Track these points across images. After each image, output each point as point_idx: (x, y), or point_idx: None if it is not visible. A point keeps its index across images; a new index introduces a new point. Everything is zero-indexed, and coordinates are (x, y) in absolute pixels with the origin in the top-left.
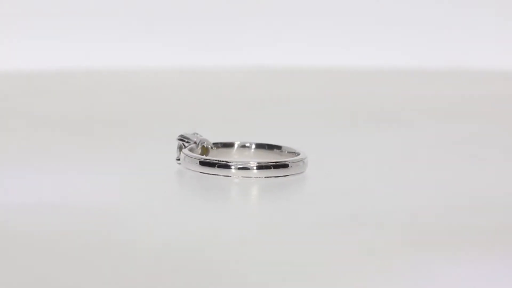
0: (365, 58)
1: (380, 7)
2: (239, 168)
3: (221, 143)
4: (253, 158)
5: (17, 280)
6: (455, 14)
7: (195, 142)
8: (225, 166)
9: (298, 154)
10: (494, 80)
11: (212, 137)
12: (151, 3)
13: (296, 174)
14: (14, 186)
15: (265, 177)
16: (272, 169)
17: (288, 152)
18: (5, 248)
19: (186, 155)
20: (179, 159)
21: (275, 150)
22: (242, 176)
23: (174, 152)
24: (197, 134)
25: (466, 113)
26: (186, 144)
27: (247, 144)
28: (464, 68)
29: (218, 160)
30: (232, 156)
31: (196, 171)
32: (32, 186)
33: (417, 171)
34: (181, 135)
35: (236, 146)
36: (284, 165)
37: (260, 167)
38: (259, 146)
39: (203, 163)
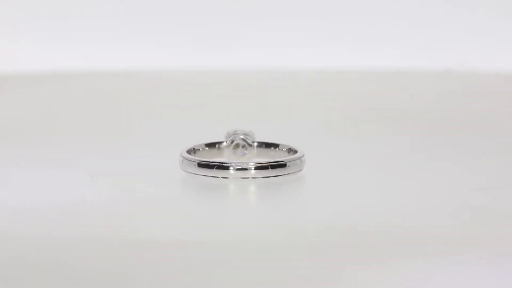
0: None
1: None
2: (238, 169)
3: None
4: (252, 157)
5: None
6: None
7: (231, 141)
8: (224, 167)
9: (296, 152)
10: None
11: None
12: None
13: (294, 172)
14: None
15: (263, 177)
16: (270, 169)
17: (286, 150)
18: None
19: (184, 157)
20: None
21: (272, 148)
22: (240, 177)
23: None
24: (241, 131)
25: None
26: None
27: (224, 144)
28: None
29: (216, 162)
30: (231, 155)
31: (195, 174)
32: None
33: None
34: (228, 132)
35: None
36: (282, 165)
37: (258, 167)
38: (257, 145)
39: (201, 165)
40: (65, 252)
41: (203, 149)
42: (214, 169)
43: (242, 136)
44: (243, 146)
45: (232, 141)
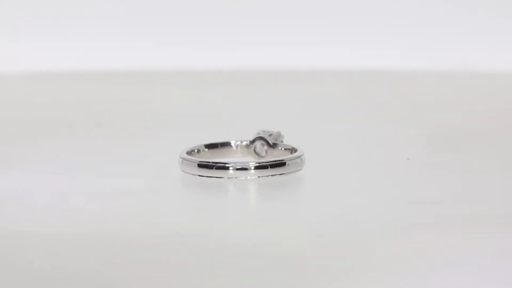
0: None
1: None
2: (237, 169)
3: (216, 143)
4: (251, 157)
5: None
6: None
7: (253, 141)
8: (223, 167)
9: (296, 151)
10: None
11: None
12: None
13: (294, 171)
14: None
15: (263, 176)
16: (270, 168)
17: (286, 149)
18: None
19: (184, 158)
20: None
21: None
22: (240, 177)
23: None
24: (268, 131)
25: None
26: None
27: (244, 143)
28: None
29: (215, 162)
30: (230, 156)
31: (195, 174)
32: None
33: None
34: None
35: (233, 145)
36: (282, 164)
37: (258, 167)
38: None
39: (201, 166)
40: (56, 251)
41: (203, 150)
42: (214, 169)
43: (263, 136)
44: (264, 147)
45: (254, 141)
